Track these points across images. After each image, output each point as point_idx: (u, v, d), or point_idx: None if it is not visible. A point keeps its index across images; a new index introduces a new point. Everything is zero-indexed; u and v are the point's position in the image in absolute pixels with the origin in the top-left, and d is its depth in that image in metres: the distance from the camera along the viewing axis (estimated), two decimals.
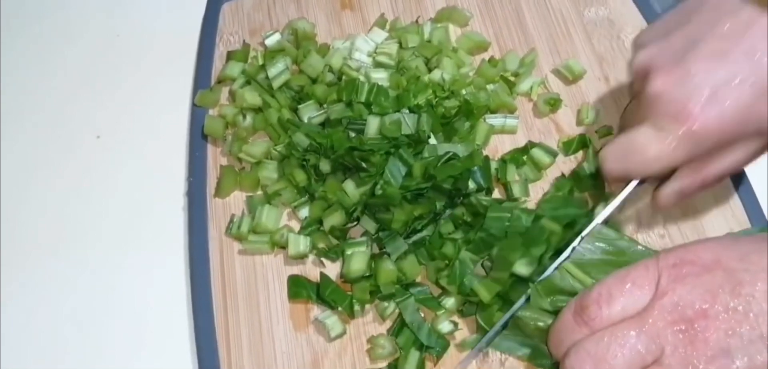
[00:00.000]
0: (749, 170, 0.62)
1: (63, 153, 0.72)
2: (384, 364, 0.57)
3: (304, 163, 0.63)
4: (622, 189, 0.55)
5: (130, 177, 0.70)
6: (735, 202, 0.62)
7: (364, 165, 0.60)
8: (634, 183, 0.54)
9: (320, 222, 0.61)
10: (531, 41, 0.72)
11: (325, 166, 0.62)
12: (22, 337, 0.62)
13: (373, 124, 0.63)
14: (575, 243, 0.53)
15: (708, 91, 0.47)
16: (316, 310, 0.59)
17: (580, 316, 0.45)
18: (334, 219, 0.60)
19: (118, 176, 0.70)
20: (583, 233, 0.53)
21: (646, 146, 0.50)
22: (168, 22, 0.80)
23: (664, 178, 0.53)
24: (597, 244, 0.52)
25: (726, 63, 0.47)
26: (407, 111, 0.64)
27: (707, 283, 0.42)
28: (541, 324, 0.51)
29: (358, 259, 0.59)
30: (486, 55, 0.72)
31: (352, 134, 0.63)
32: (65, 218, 0.68)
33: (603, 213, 0.54)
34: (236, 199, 0.65)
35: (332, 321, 0.58)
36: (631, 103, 0.57)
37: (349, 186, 0.61)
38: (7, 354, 0.61)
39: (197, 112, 0.70)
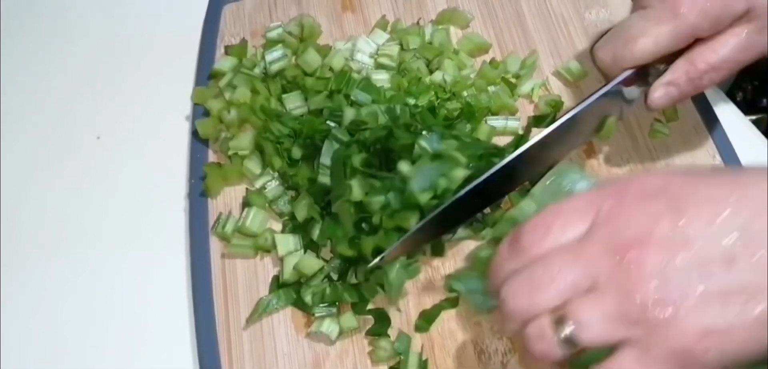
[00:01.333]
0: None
1: (63, 153, 0.72)
2: (386, 366, 0.57)
3: (278, 146, 0.63)
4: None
5: (130, 178, 0.70)
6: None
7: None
8: (626, 72, 0.54)
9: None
10: (532, 43, 0.72)
11: (296, 151, 0.62)
12: (22, 337, 0.62)
13: (349, 115, 0.63)
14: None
15: None
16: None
17: (515, 246, 0.43)
18: (304, 206, 0.60)
19: (118, 177, 0.70)
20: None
21: (634, 29, 0.52)
22: (169, 22, 0.80)
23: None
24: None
25: None
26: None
27: (648, 210, 0.39)
28: (483, 254, 0.49)
29: (290, 259, 0.59)
30: (487, 57, 0.72)
31: (332, 124, 0.63)
32: (65, 218, 0.68)
33: (592, 97, 0.54)
34: (237, 200, 0.65)
35: (327, 325, 0.57)
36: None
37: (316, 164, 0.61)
38: (7, 354, 0.61)
39: (198, 113, 0.70)
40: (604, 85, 0.55)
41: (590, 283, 0.39)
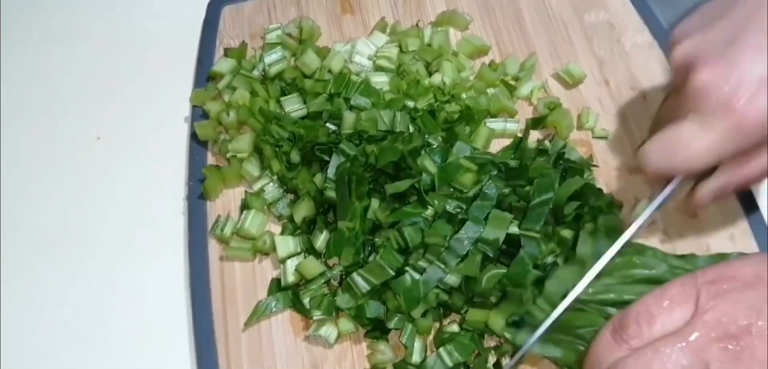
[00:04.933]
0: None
1: (63, 154, 0.72)
2: None
3: (277, 149, 0.63)
4: (662, 187, 0.53)
5: (130, 178, 0.70)
6: (743, 224, 0.60)
7: (325, 158, 0.61)
8: (677, 179, 0.52)
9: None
10: (531, 45, 0.72)
11: (295, 155, 0.62)
12: (22, 337, 0.62)
13: (349, 119, 0.63)
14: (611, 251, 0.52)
15: (754, 84, 0.46)
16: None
17: (620, 334, 0.45)
18: (303, 210, 0.60)
19: (118, 177, 0.70)
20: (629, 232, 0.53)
21: (692, 141, 0.48)
22: (168, 24, 0.80)
23: (701, 177, 0.52)
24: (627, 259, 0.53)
25: None
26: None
27: (750, 299, 0.42)
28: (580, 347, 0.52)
29: (291, 261, 0.59)
30: (486, 59, 0.72)
31: (332, 128, 0.63)
32: (65, 219, 0.68)
33: (645, 212, 0.53)
34: (236, 202, 0.65)
35: (326, 329, 0.57)
36: (669, 98, 0.56)
37: (319, 178, 0.61)
38: (7, 354, 0.61)
39: (197, 115, 0.70)
40: (658, 196, 0.53)
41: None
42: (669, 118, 0.51)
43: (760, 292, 0.42)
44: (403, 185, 0.57)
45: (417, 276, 0.55)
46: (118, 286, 0.64)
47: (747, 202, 0.61)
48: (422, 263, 0.55)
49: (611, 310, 0.52)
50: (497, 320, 0.54)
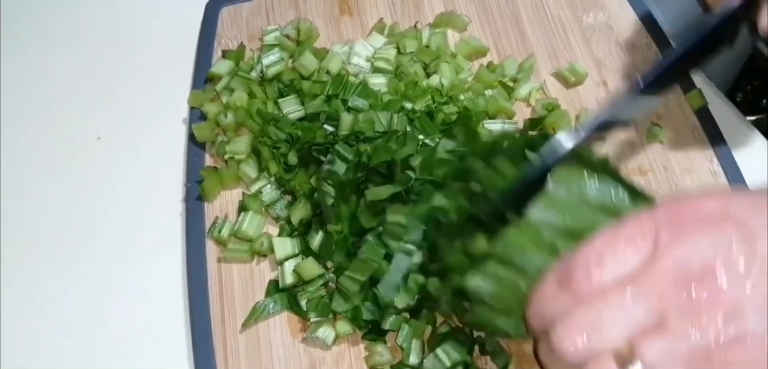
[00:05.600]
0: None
1: (63, 154, 0.72)
2: None
3: (275, 151, 0.63)
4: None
5: (130, 179, 0.70)
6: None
7: (323, 159, 0.61)
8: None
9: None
10: (529, 46, 0.72)
11: (292, 157, 0.62)
12: (22, 337, 0.62)
13: (346, 121, 0.63)
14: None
15: None
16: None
17: (566, 284, 0.38)
18: (300, 212, 0.60)
19: (118, 178, 0.70)
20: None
21: None
22: (169, 24, 0.80)
23: None
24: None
25: None
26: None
27: (716, 236, 0.36)
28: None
29: (289, 262, 0.59)
30: (484, 61, 0.72)
31: (329, 129, 0.63)
32: (65, 219, 0.68)
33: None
34: (233, 203, 0.65)
35: (323, 330, 0.57)
36: None
37: (315, 180, 0.61)
38: (6, 354, 0.61)
39: (195, 117, 0.70)
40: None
41: (657, 319, 0.36)
42: None
43: (727, 228, 0.36)
44: (384, 192, 0.56)
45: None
46: (116, 286, 0.64)
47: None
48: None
49: (560, 244, 0.43)
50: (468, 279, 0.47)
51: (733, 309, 0.35)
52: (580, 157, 0.46)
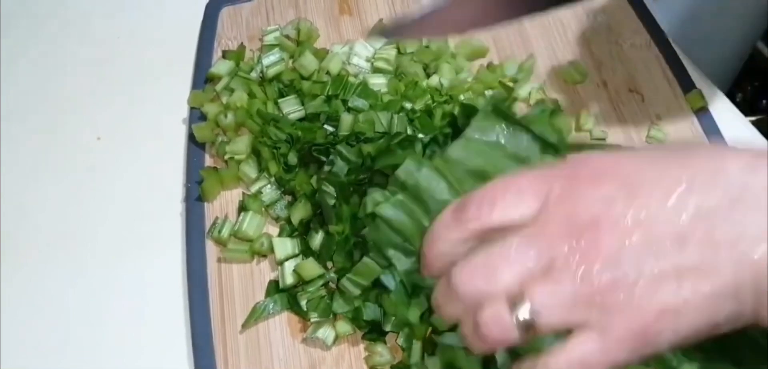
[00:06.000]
0: None
1: (63, 154, 0.72)
2: None
3: (275, 151, 0.63)
4: None
5: (130, 179, 0.70)
6: None
7: (323, 159, 0.61)
8: None
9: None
10: (529, 47, 0.72)
11: (292, 157, 0.62)
12: (22, 337, 0.62)
13: (346, 121, 0.63)
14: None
15: None
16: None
17: (459, 217, 0.41)
18: (300, 212, 0.60)
19: (118, 177, 0.70)
20: None
21: None
22: (169, 24, 0.80)
23: None
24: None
25: None
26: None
27: (602, 191, 0.39)
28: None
29: (289, 263, 0.59)
30: (484, 61, 0.72)
31: (329, 130, 0.63)
32: (65, 219, 0.68)
33: None
34: (233, 204, 0.65)
35: (323, 331, 0.57)
36: None
37: (316, 180, 0.61)
38: (6, 354, 0.61)
39: (194, 117, 0.70)
40: None
41: (546, 265, 0.38)
42: None
43: (613, 184, 0.39)
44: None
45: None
46: (116, 286, 0.64)
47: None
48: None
49: (468, 184, 0.46)
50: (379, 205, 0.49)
51: (611, 259, 0.37)
52: (500, 112, 0.48)
